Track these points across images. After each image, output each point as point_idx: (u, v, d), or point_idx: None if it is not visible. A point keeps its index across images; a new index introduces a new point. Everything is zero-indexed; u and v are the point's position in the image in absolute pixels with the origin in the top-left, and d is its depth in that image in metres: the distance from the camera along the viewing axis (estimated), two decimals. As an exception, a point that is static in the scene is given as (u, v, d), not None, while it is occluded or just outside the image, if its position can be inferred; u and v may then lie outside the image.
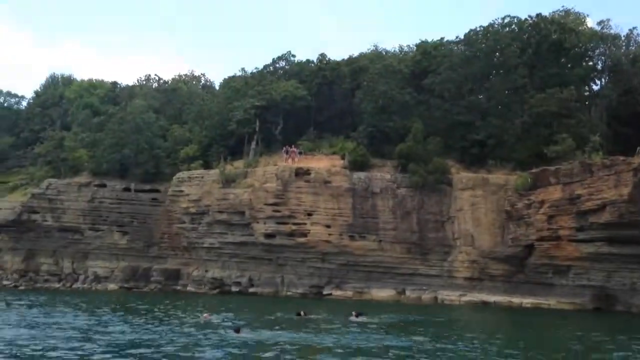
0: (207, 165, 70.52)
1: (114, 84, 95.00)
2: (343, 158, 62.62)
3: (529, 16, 65.85)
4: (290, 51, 79.63)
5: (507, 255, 55.25)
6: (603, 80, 67.11)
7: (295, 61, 78.94)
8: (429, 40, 73.80)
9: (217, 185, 64.92)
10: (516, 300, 53.32)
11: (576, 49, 65.24)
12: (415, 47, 79.56)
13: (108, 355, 22.81)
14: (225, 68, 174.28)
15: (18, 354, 22.87)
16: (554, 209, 50.95)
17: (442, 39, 73.60)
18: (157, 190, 74.35)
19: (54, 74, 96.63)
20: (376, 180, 60.58)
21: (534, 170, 54.87)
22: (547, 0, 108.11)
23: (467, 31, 67.45)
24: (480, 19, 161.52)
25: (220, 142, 72.97)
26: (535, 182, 54.23)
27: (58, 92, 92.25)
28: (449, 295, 56.48)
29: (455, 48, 68.59)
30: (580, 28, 67.95)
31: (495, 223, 57.24)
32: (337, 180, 60.61)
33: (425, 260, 59.58)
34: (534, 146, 58.39)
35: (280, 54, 79.55)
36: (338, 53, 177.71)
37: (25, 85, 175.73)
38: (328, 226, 60.32)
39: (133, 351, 23.76)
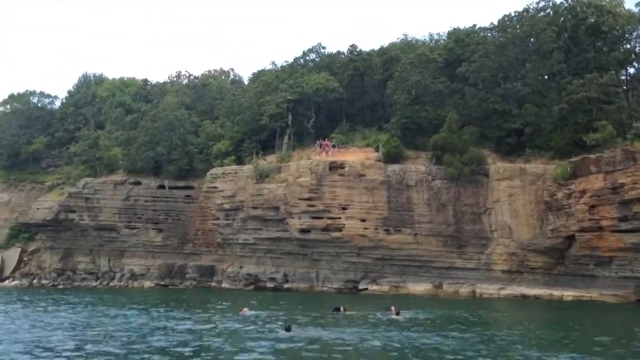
0: (239, 161, 70.29)
1: (145, 81, 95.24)
2: (377, 150, 61.72)
3: (565, 0, 64.08)
4: (320, 43, 79.02)
5: (546, 247, 53.88)
6: (641, 63, 65.09)
7: (326, 53, 78.11)
8: (461, 27, 72.49)
9: (251, 181, 64.58)
10: (557, 293, 52.07)
11: (614, 32, 63.33)
12: (446, 35, 78.37)
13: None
14: (254, 62, 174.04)
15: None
16: (596, 199, 49.44)
17: (474, 25, 72.35)
18: (190, 187, 74.50)
19: (86, 73, 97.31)
20: (411, 173, 59.62)
21: (573, 159, 53.36)
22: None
23: (500, 17, 65.97)
24: (512, 5, 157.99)
25: (252, 136, 72.64)
26: (575, 171, 52.71)
27: (90, 91, 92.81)
28: (487, 289, 55.44)
29: (489, 35, 67.11)
30: (617, 10, 65.84)
31: (534, 214, 55.82)
32: (372, 173, 59.80)
33: (462, 254, 58.53)
34: (572, 134, 56.71)
35: (310, 47, 78.72)
36: (368, 44, 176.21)
37: (58, 86, 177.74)
38: (363, 220, 59.59)
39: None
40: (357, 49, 74.16)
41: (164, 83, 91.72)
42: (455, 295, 56.42)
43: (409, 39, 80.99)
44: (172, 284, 72.57)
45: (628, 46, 66.12)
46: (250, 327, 31.18)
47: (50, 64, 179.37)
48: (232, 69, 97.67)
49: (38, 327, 31.59)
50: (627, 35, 65.13)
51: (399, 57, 70.68)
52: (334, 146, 63.70)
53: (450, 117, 59.18)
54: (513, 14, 64.61)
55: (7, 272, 79.04)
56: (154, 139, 74.53)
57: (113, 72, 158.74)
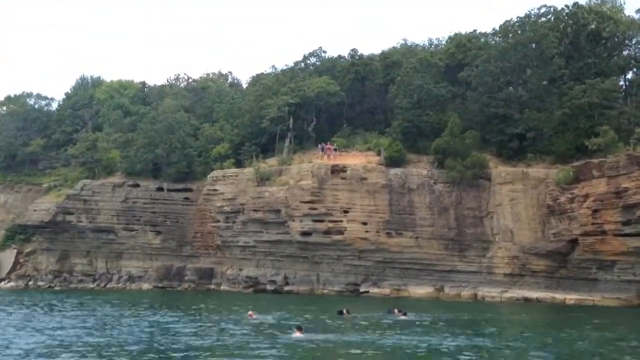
0: (239, 164, 70.24)
1: (143, 84, 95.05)
2: (379, 154, 61.79)
3: (566, 5, 64.66)
4: (321, 47, 79.21)
5: (549, 250, 54.05)
6: (640, 69, 65.57)
7: (326, 57, 78.26)
8: (461, 32, 72.84)
9: (252, 184, 64.51)
10: (559, 296, 52.20)
11: (614, 38, 63.86)
12: (445, 40, 78.81)
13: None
14: (252, 65, 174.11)
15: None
16: (599, 203, 49.67)
17: (474, 30, 72.71)
18: (189, 190, 74.34)
19: (84, 75, 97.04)
20: (412, 176, 59.74)
21: (576, 164, 53.63)
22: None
23: (502, 22, 66.38)
24: (512, 10, 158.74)
25: (252, 140, 72.59)
26: (577, 175, 52.95)
27: (88, 93, 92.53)
28: (489, 292, 55.53)
29: (491, 40, 67.48)
30: (617, 16, 66.39)
31: (536, 218, 56.10)
32: (373, 176, 59.88)
33: (464, 257, 58.67)
34: (573, 139, 57.01)
35: (310, 51, 78.87)
36: (367, 48, 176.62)
37: (55, 88, 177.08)
38: (365, 223, 59.66)
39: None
40: (358, 53, 74.29)
41: (163, 86, 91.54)
42: (457, 298, 56.50)
43: (409, 44, 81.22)
44: (170, 286, 72.26)
45: (626, 53, 66.83)
46: (260, 329, 30.97)
47: (47, 66, 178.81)
48: (231, 72, 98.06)
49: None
50: (627, 41, 65.73)
51: (400, 61, 70.92)
52: (335, 149, 63.70)
53: (453, 121, 59.36)
54: (515, 20, 65.07)
55: (3, 274, 78.55)
56: (153, 141, 74.35)
57: (111, 74, 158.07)
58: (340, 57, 76.57)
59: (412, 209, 59.45)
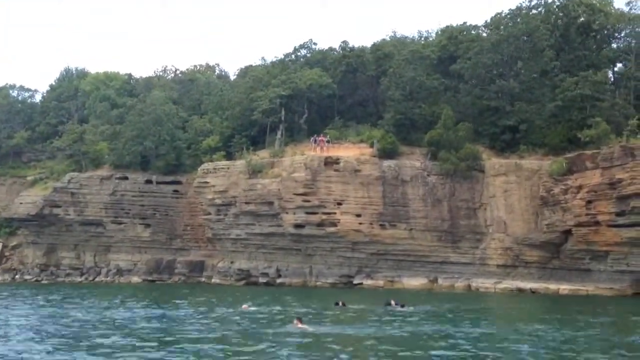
0: (229, 156, 69.87)
1: (129, 75, 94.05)
2: (371, 146, 61.78)
3: (556, -2, 65.04)
4: (311, 39, 78.83)
5: (542, 241, 54.54)
6: (630, 62, 65.98)
7: (317, 49, 78.02)
8: (450, 24, 73.03)
9: (243, 176, 64.17)
10: (553, 286, 52.66)
11: (604, 31, 64.39)
12: (435, 32, 79.03)
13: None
14: (239, 58, 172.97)
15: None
16: (593, 194, 50.18)
17: (464, 22, 72.87)
18: (178, 182, 73.85)
19: (68, 67, 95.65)
20: (406, 168, 59.86)
21: (569, 155, 54.10)
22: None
23: (493, 15, 66.66)
24: (501, 2, 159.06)
25: (242, 132, 72.19)
26: (570, 167, 53.46)
27: (73, 85, 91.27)
28: (483, 283, 55.89)
29: (483, 32, 67.68)
30: (607, 9, 66.89)
31: (529, 209, 56.57)
32: (367, 168, 59.88)
33: (457, 248, 59.00)
34: (566, 131, 57.55)
35: (301, 43, 78.58)
36: (357, 41, 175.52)
37: (38, 79, 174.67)
38: (358, 215, 59.68)
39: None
40: (349, 46, 74.15)
41: (150, 77, 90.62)
42: (450, 289, 56.78)
43: (398, 36, 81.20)
44: (160, 279, 71.82)
45: (614, 45, 67.42)
46: (256, 322, 30.75)
47: (28, 58, 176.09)
48: (218, 64, 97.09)
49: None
50: (616, 34, 66.29)
51: (391, 53, 70.89)
52: (328, 142, 63.57)
53: (446, 113, 59.52)
54: (506, 12, 65.31)
55: (-12, 267, 77.48)
56: (141, 133, 73.61)
57: (95, 66, 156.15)
58: (331, 49, 76.42)
59: (405, 201, 59.57)
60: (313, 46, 78.62)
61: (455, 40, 68.19)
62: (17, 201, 78.33)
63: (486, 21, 67.69)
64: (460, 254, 58.79)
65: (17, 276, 76.51)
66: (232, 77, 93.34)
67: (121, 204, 73.92)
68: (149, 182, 74.01)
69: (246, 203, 63.80)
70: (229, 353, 21.22)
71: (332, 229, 59.95)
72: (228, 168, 66.10)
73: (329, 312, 35.84)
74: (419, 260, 59.83)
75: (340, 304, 39.50)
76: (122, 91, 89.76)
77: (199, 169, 68.52)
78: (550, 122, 59.10)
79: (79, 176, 74.87)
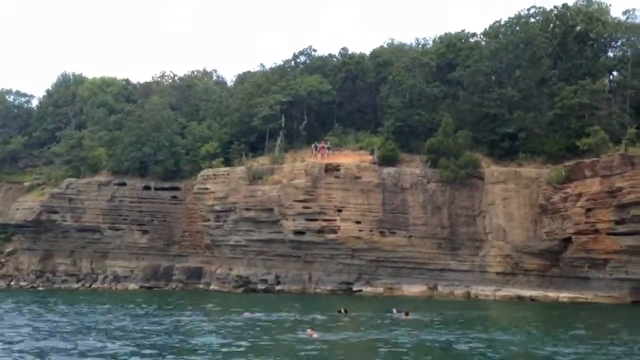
0: (228, 162, 69.86)
1: (127, 81, 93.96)
2: (371, 153, 62.00)
3: (555, 6, 65.51)
4: (311, 45, 79.22)
5: (542, 249, 54.80)
6: (626, 70, 66.52)
7: (316, 56, 78.29)
8: (450, 32, 73.42)
9: (243, 182, 64.21)
10: (552, 294, 52.81)
11: (601, 40, 64.91)
12: (432, 40, 79.40)
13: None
14: (236, 64, 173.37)
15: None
16: (592, 202, 50.47)
17: (463, 30, 73.30)
18: (177, 188, 73.84)
19: (65, 72, 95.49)
20: (406, 176, 60.07)
21: (568, 163, 54.40)
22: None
23: (492, 23, 67.14)
24: (499, 11, 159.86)
25: (241, 138, 72.24)
26: (569, 175, 53.75)
27: (70, 90, 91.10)
28: (483, 290, 56.03)
29: (481, 40, 68.11)
30: (604, 18, 67.41)
31: (528, 217, 56.81)
32: (367, 175, 60.08)
33: (456, 256, 59.18)
34: (564, 139, 57.93)
35: (300, 49, 78.83)
36: (354, 48, 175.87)
37: (34, 85, 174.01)
38: (358, 222, 59.86)
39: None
40: (348, 52, 74.43)
41: (148, 83, 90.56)
42: (450, 297, 56.87)
43: (396, 44, 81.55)
44: (158, 286, 71.72)
45: (611, 54, 67.91)
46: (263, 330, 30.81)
47: (24, 63, 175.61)
48: (215, 70, 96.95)
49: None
50: (613, 42, 66.81)
51: (390, 60, 71.21)
52: (329, 148, 63.76)
53: (445, 120, 59.81)
54: (505, 21, 65.74)
55: (-17, 274, 77.15)
56: (140, 139, 73.60)
57: (92, 72, 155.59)
58: (330, 55, 76.70)
59: (405, 208, 59.78)
60: (312, 53, 78.91)
61: (453, 48, 68.59)
62: (13, 207, 78.04)
63: (485, 29, 68.10)
64: (460, 261, 58.97)
65: (12, 282, 76.36)
66: (230, 84, 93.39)
67: (119, 210, 73.81)
68: (147, 188, 73.98)
69: (246, 209, 63.84)
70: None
71: (332, 236, 60.09)
72: (228, 174, 66.13)
73: (336, 319, 35.95)
74: (418, 267, 59.99)
75: (343, 311, 39.68)
76: (119, 97, 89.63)
77: (198, 175, 68.49)
78: (548, 130, 59.46)
79: (77, 182, 74.70)
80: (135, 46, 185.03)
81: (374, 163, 61.03)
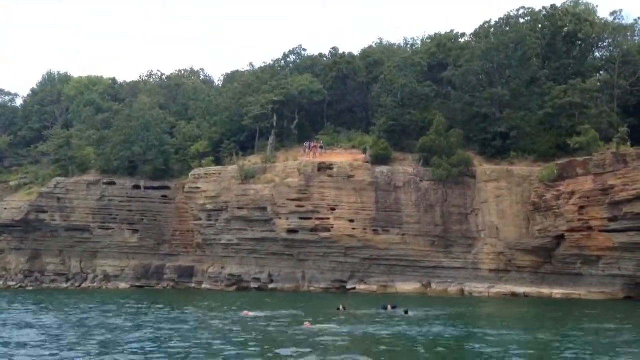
0: (218, 161, 69.91)
1: (113, 80, 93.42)
2: (364, 152, 62.30)
3: (544, 7, 66.34)
4: (301, 45, 79.17)
5: (535, 246, 55.48)
6: (614, 70, 67.48)
7: (306, 55, 78.43)
8: (440, 32, 73.97)
9: (235, 181, 64.20)
10: (546, 291, 53.61)
11: (589, 40, 65.79)
12: (420, 40, 79.96)
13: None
14: (224, 63, 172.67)
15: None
16: (585, 200, 51.21)
17: (452, 30, 73.80)
18: (167, 188, 73.62)
19: (51, 71, 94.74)
20: (399, 174, 60.48)
21: (560, 162, 55.14)
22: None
23: (481, 23, 67.74)
24: (487, 11, 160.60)
25: (231, 138, 72.21)
26: (561, 173, 54.46)
27: (56, 89, 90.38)
28: (477, 287, 56.64)
29: (472, 40, 68.68)
30: (591, 18, 68.36)
31: (520, 215, 57.45)
32: (360, 174, 60.37)
33: (449, 253, 59.70)
34: (555, 137, 58.65)
35: (290, 49, 78.94)
36: (343, 48, 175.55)
37: (18, 83, 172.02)
38: (351, 221, 60.13)
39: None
40: (339, 52, 74.67)
41: (135, 82, 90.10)
42: (443, 294, 57.40)
43: (384, 43, 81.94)
44: (149, 285, 71.53)
45: (597, 54, 68.94)
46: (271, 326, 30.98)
47: (7, 62, 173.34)
48: (203, 69, 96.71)
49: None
50: (600, 43, 67.76)
51: (381, 60, 71.57)
52: (322, 147, 63.96)
53: (438, 120, 60.30)
54: (495, 21, 66.37)
55: (-30, 274, 76.26)
56: (129, 138, 73.27)
57: (78, 70, 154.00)
58: (321, 55, 76.86)
59: (398, 207, 60.16)
60: (302, 52, 78.99)
61: (444, 48, 69.12)
62: (1, 206, 77.23)
63: (475, 30, 68.63)
64: (453, 259, 59.49)
65: (0, 282, 75.46)
66: (217, 83, 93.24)
67: (109, 209, 73.39)
68: (136, 187, 73.64)
69: (238, 208, 63.85)
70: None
71: (325, 234, 60.31)
72: (219, 173, 66.09)
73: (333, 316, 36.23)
74: (411, 265, 60.43)
75: (342, 308, 39.97)
76: (106, 95, 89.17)
77: (189, 174, 68.37)
78: (539, 129, 60.17)
79: (66, 181, 74.15)
80: (122, 45, 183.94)
81: (367, 162, 61.34)
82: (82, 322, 33.41)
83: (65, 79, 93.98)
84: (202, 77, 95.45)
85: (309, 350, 22.53)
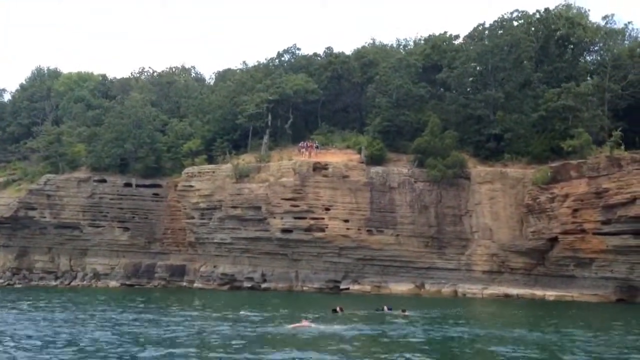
0: (210, 160, 69.77)
1: (104, 76, 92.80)
2: (359, 152, 62.45)
3: (537, 10, 66.83)
4: (295, 44, 79.25)
5: (528, 248, 55.94)
6: (605, 74, 68.07)
7: (300, 54, 78.44)
8: (433, 33, 74.32)
9: (230, 180, 64.07)
10: (539, 292, 54.04)
11: (581, 44, 66.39)
12: (412, 40, 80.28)
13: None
14: (214, 60, 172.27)
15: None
16: (579, 203, 51.72)
17: (445, 32, 74.11)
18: (158, 185, 73.32)
19: (40, 66, 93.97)
20: (394, 175, 60.69)
21: (554, 164, 55.62)
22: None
23: (475, 25, 68.22)
24: (480, 13, 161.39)
25: (224, 136, 72.06)
26: (555, 175, 54.95)
27: (46, 85, 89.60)
28: (470, 289, 56.97)
29: (465, 42, 69.07)
30: (583, 22, 68.96)
31: (514, 216, 57.91)
32: (355, 174, 60.51)
33: (443, 254, 60.02)
34: (549, 140, 59.13)
35: (284, 48, 78.90)
36: (336, 47, 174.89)
37: (5, 78, 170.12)
38: (346, 221, 60.25)
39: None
40: (333, 52, 74.76)
41: (126, 79, 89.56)
42: (437, 295, 57.70)
43: (377, 44, 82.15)
44: (139, 283, 71.12)
45: (589, 58, 69.55)
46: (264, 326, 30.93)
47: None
48: (194, 67, 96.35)
49: None
50: (592, 47, 68.38)
51: (376, 60, 71.75)
52: (317, 147, 64.02)
53: (433, 121, 60.63)
54: (490, 24, 66.81)
55: (-43, 271, 75.41)
56: (120, 136, 72.87)
57: (67, 66, 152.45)
58: (315, 54, 76.87)
59: (392, 207, 60.38)
60: (297, 51, 78.99)
61: (438, 50, 69.41)
62: (-11, 203, 76.42)
63: (469, 32, 69.01)
64: (446, 260, 59.83)
65: (-13, 280, 74.74)
66: (208, 80, 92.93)
67: (99, 206, 72.92)
68: (128, 185, 73.25)
69: (232, 207, 63.75)
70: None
71: (319, 234, 60.38)
72: (213, 172, 65.94)
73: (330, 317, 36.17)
74: (405, 265, 60.67)
75: (339, 309, 39.82)
76: (96, 92, 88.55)
77: (183, 173, 68.13)
78: (533, 131, 60.64)
79: (56, 178, 73.52)
80: (111, 42, 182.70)
81: (362, 162, 61.50)
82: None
83: (54, 74, 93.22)
84: (193, 74, 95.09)
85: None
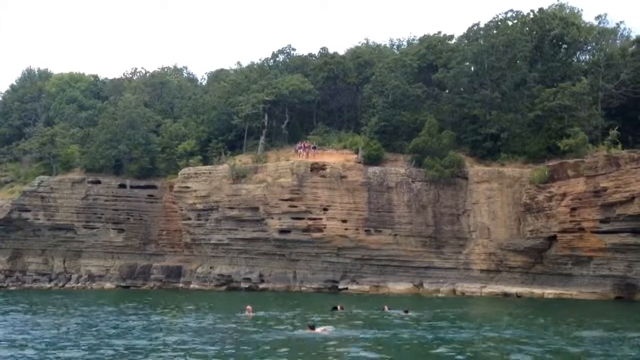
0: (205, 161, 69.64)
1: (95, 77, 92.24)
2: (356, 152, 62.54)
3: (532, 10, 67.17)
4: (290, 44, 79.23)
5: (526, 246, 56.25)
6: (599, 73, 68.54)
7: (295, 55, 78.36)
8: (429, 33, 74.52)
9: (226, 181, 63.94)
10: (537, 291, 54.39)
11: (575, 44, 66.81)
12: (406, 40, 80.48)
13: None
14: (205, 61, 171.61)
15: None
16: (577, 201, 52.12)
17: (439, 32, 74.40)
18: (153, 187, 73.01)
19: (30, 67, 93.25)
20: (391, 175, 60.78)
21: (551, 163, 55.96)
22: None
23: (470, 25, 68.43)
24: (474, 12, 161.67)
25: (219, 137, 71.91)
26: (552, 175, 55.30)
27: (37, 86, 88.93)
28: (469, 287, 57.21)
29: (461, 42, 69.33)
30: (577, 22, 69.41)
31: (511, 215, 58.23)
32: (353, 175, 60.59)
33: (441, 254, 60.24)
34: (545, 139, 59.50)
35: (279, 48, 78.81)
36: (330, 47, 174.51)
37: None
38: (344, 221, 60.33)
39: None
40: (327, 52, 74.79)
41: (119, 80, 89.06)
42: (435, 294, 57.86)
43: (371, 44, 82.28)
44: (135, 285, 70.87)
45: (583, 58, 70.03)
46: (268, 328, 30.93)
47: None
48: (186, 67, 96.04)
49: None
50: (585, 46, 68.84)
51: (372, 61, 71.86)
52: (314, 147, 64.03)
53: (430, 121, 60.83)
54: (485, 24, 67.00)
55: (-51, 273, 74.65)
56: (114, 137, 72.50)
57: (58, 67, 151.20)
58: (310, 55, 76.86)
59: (390, 207, 60.50)
60: (292, 52, 78.91)
61: (434, 50, 69.63)
62: (-19, 205, 75.70)
63: (464, 32, 69.32)
64: (444, 259, 60.06)
65: (-20, 282, 74.09)
66: (200, 81, 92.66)
67: (93, 208, 72.49)
68: (122, 186, 72.91)
69: (230, 208, 63.64)
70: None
71: (317, 235, 60.42)
72: (210, 173, 65.77)
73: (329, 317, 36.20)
74: (403, 265, 60.85)
75: (339, 307, 39.95)
76: (87, 93, 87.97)
77: (179, 174, 67.87)
78: (529, 131, 60.96)
79: (49, 180, 72.98)
80: (102, 42, 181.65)
81: (359, 162, 61.58)
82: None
83: (45, 75, 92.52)
84: (185, 74, 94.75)
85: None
